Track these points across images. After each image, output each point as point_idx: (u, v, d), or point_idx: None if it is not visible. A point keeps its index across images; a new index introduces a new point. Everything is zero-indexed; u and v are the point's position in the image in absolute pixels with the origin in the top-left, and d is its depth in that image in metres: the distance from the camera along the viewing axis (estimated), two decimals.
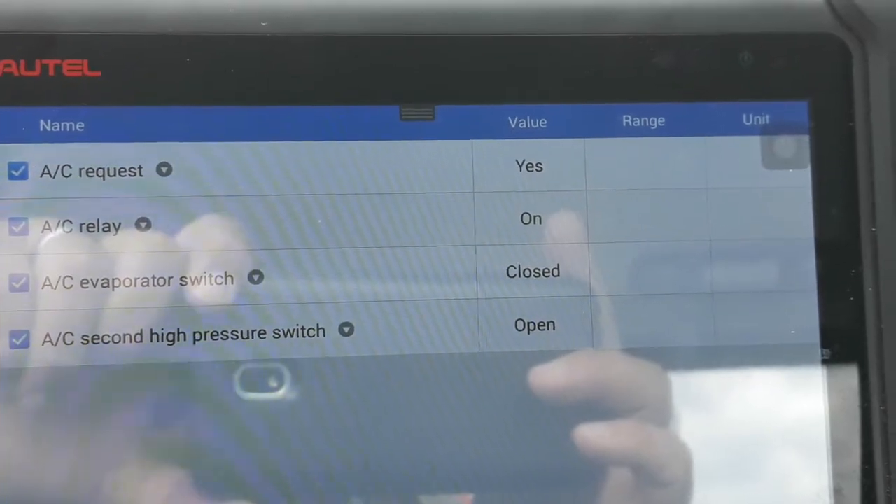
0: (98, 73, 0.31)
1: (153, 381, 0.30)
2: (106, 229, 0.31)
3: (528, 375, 0.32)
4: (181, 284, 0.31)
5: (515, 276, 0.32)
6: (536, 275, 0.32)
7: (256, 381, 0.31)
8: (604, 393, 0.32)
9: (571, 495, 0.32)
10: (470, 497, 0.32)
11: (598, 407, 0.32)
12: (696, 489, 0.32)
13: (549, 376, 0.32)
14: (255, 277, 0.31)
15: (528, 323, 0.32)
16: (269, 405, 0.31)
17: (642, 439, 0.32)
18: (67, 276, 0.30)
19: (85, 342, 0.30)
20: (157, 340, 0.30)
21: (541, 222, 0.32)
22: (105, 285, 0.30)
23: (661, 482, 0.32)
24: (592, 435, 0.32)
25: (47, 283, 0.30)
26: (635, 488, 0.32)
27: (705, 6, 0.33)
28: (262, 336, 0.31)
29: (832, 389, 0.33)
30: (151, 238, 0.31)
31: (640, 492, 0.32)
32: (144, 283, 0.31)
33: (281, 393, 0.31)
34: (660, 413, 0.32)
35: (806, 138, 0.33)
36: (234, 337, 0.31)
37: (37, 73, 0.31)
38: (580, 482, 0.32)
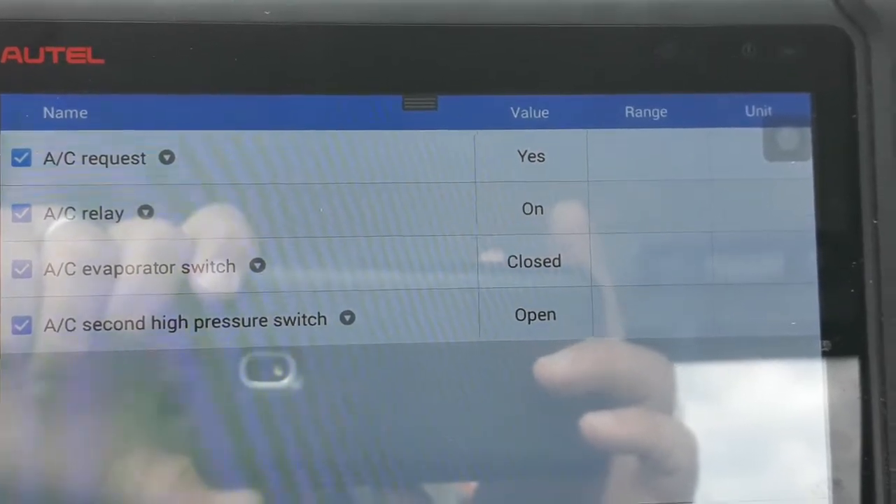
0: (102, 61, 0.31)
1: (155, 368, 0.31)
2: (108, 216, 0.31)
3: (533, 366, 0.32)
4: (183, 272, 0.31)
5: (516, 265, 0.32)
6: (537, 265, 0.32)
7: (261, 368, 0.31)
8: (608, 383, 0.32)
9: (574, 482, 0.32)
10: (472, 485, 0.32)
11: (601, 396, 0.32)
12: (699, 478, 0.32)
13: (554, 367, 0.32)
14: (257, 265, 0.31)
15: (529, 313, 0.32)
16: (273, 393, 0.31)
17: (646, 428, 0.32)
18: (70, 263, 0.30)
19: (87, 329, 0.30)
20: (159, 327, 0.31)
21: (542, 212, 0.32)
22: (107, 272, 0.31)
23: (664, 470, 0.32)
24: (597, 423, 0.32)
25: (50, 269, 0.30)
26: (639, 476, 0.32)
27: None
28: (263, 324, 0.31)
29: (832, 381, 0.33)
30: (154, 225, 0.31)
31: (643, 479, 0.32)
32: (147, 271, 0.31)
33: (285, 381, 0.31)
34: (662, 403, 0.32)
35: (808, 130, 0.33)
36: (236, 325, 0.31)
37: (41, 60, 0.31)
38: (583, 470, 0.32)
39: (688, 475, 0.32)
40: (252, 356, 0.31)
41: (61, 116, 0.31)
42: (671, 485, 0.32)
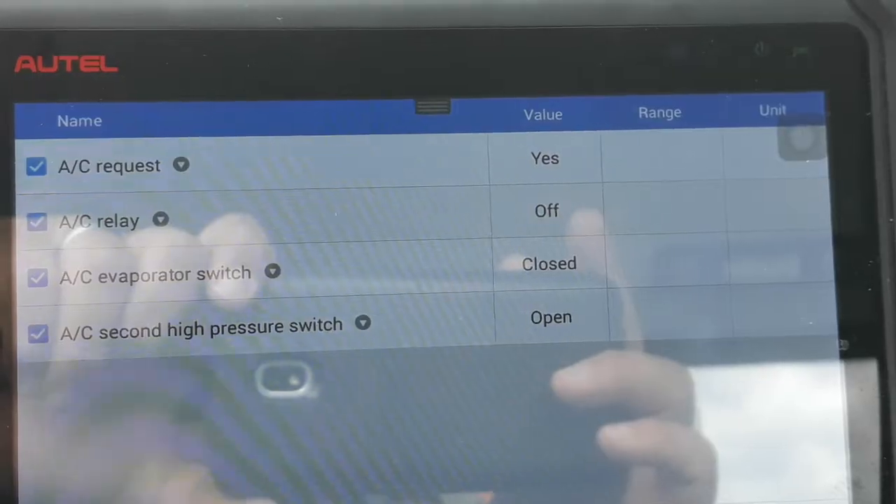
0: (115, 69, 0.31)
1: (171, 376, 0.31)
2: (124, 224, 0.31)
3: (550, 373, 0.32)
4: (199, 279, 0.31)
5: (531, 268, 0.32)
6: (552, 267, 0.32)
7: (276, 376, 0.31)
8: (626, 395, 0.32)
9: (592, 491, 0.32)
10: (489, 494, 0.32)
11: (620, 407, 0.32)
12: (717, 482, 0.32)
13: (572, 381, 0.32)
14: (272, 271, 0.31)
15: (545, 315, 0.32)
16: (289, 400, 0.31)
17: (664, 438, 0.32)
18: (86, 271, 0.30)
19: (103, 337, 0.30)
20: (175, 335, 0.31)
21: (557, 215, 0.32)
22: (123, 280, 0.31)
23: (683, 479, 0.32)
24: (615, 435, 0.32)
25: (66, 277, 0.30)
26: (657, 486, 0.32)
27: None
28: (279, 330, 0.31)
29: (850, 381, 0.32)
30: (169, 233, 0.31)
31: (662, 489, 0.32)
32: (162, 278, 0.31)
33: (300, 388, 0.31)
34: (680, 411, 0.32)
35: (823, 129, 0.33)
36: (252, 331, 0.31)
37: (54, 69, 0.31)
38: (601, 478, 0.32)
39: (706, 482, 0.32)
40: (268, 364, 0.31)
41: (75, 125, 0.31)
42: (690, 493, 0.32)
